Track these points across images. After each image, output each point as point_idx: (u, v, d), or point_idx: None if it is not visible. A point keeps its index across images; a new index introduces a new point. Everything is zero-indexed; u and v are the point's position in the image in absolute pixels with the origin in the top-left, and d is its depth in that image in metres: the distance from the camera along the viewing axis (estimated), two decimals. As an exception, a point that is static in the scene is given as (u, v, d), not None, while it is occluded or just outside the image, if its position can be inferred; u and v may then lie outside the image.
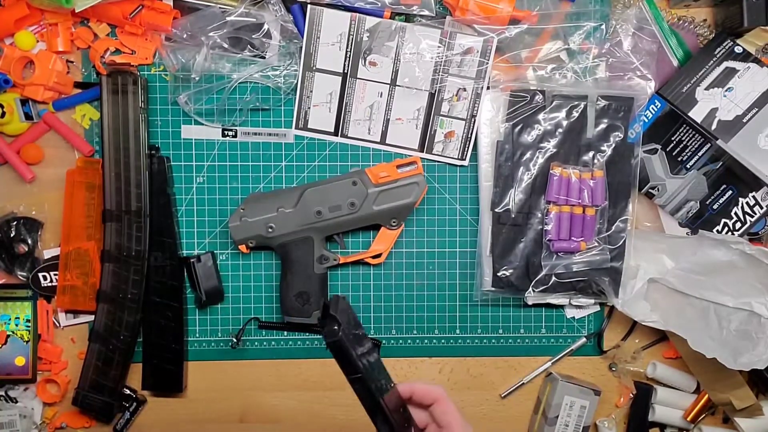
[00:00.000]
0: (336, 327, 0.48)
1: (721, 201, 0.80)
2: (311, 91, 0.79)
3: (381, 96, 0.79)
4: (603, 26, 0.78)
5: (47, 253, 0.80)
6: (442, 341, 0.84)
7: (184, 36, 0.76)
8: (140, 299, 0.77)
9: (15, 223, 0.79)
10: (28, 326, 0.79)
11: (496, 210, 0.79)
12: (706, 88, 0.78)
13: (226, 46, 0.77)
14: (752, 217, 0.80)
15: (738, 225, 0.80)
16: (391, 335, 0.83)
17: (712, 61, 0.77)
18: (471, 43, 0.77)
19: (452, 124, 0.80)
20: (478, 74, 0.78)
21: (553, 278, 0.79)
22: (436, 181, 0.82)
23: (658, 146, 0.79)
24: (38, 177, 0.80)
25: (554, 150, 0.78)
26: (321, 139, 0.81)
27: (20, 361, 0.79)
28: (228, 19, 0.76)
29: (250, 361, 0.83)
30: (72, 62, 0.79)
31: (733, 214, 0.80)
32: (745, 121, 0.77)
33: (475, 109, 0.79)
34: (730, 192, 0.79)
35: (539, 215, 0.79)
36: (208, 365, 0.83)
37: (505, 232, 0.79)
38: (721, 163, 0.78)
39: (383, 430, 0.53)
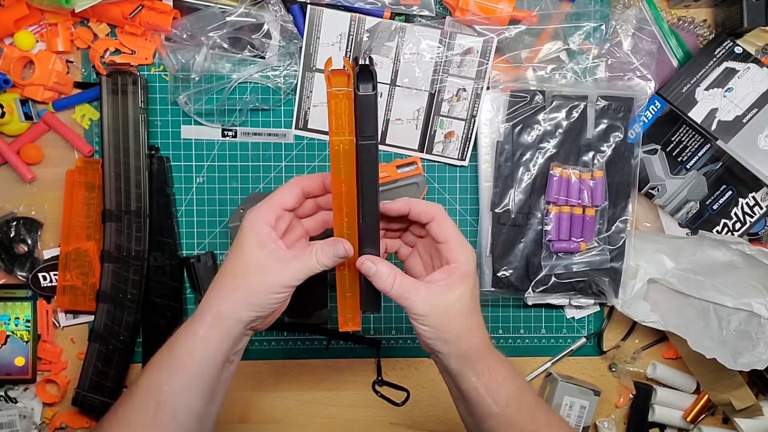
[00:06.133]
0: (373, 84, 0.48)
1: (720, 201, 0.80)
2: (311, 91, 0.79)
3: (380, 96, 0.79)
4: (603, 26, 0.78)
5: (47, 254, 0.80)
6: (442, 341, 0.84)
7: (184, 36, 0.76)
8: (140, 299, 0.77)
9: (15, 223, 0.79)
10: (28, 326, 0.79)
11: (496, 210, 0.79)
12: (706, 89, 0.77)
13: (226, 46, 0.77)
14: (752, 217, 0.80)
15: (738, 225, 0.80)
16: (391, 335, 0.83)
17: (712, 62, 0.77)
18: (471, 44, 0.77)
19: (452, 124, 0.80)
20: (478, 74, 0.78)
21: (553, 278, 0.79)
22: (436, 181, 0.82)
23: (658, 146, 0.79)
24: (38, 177, 0.80)
25: (554, 150, 0.78)
26: (321, 139, 0.81)
27: (20, 361, 0.79)
28: (228, 19, 0.75)
29: (250, 361, 0.83)
30: (72, 62, 0.79)
31: (732, 214, 0.80)
32: (744, 121, 0.77)
33: (475, 109, 0.79)
34: (729, 192, 0.79)
35: (539, 215, 0.79)
36: (207, 365, 0.83)
37: (504, 233, 0.79)
38: (721, 163, 0.78)
39: (369, 206, 0.53)
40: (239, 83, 0.79)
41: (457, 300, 0.54)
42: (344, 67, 0.49)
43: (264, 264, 0.53)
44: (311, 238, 0.61)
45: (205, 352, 0.53)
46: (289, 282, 0.53)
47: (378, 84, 0.47)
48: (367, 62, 0.48)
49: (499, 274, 0.79)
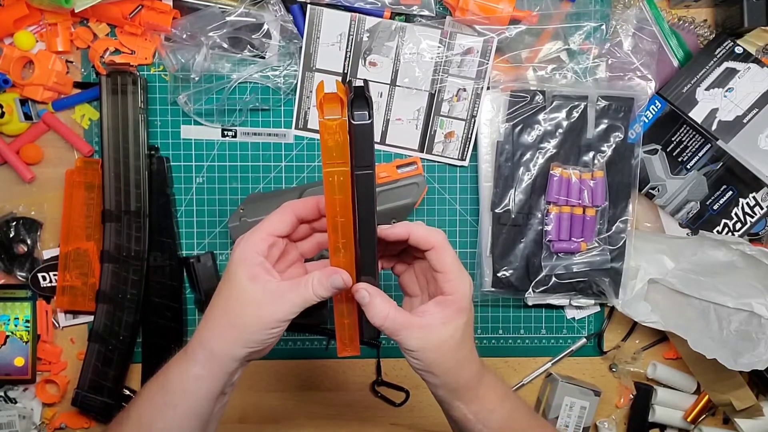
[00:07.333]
0: (369, 111, 0.45)
1: (721, 201, 0.80)
2: (311, 91, 0.79)
3: (381, 96, 0.79)
4: (603, 26, 0.78)
5: (47, 254, 0.80)
6: (442, 342, 0.84)
7: (184, 36, 0.76)
8: (140, 300, 0.77)
9: (14, 223, 0.79)
10: (28, 327, 0.79)
11: (496, 210, 0.79)
12: (707, 89, 0.77)
13: (225, 46, 0.77)
14: (752, 217, 0.80)
15: (738, 225, 0.80)
16: (390, 336, 0.83)
17: (712, 62, 0.77)
18: (471, 44, 0.77)
19: (452, 124, 0.80)
20: (478, 74, 0.78)
21: (553, 279, 0.79)
22: (436, 181, 0.82)
23: (659, 147, 0.79)
24: (38, 177, 0.80)
25: (554, 150, 0.78)
26: (321, 140, 0.81)
27: (19, 361, 0.79)
28: (228, 19, 0.75)
29: (250, 362, 0.83)
30: (71, 62, 0.79)
31: (733, 214, 0.80)
32: (745, 121, 0.77)
33: (475, 109, 0.79)
34: (730, 192, 0.79)
35: (539, 216, 0.79)
36: (207, 366, 0.82)
37: (505, 233, 0.79)
38: (721, 163, 0.78)
39: (367, 235, 0.51)
40: (239, 83, 0.79)
41: (450, 336, 0.52)
42: (337, 91, 0.45)
43: (258, 299, 0.50)
44: (306, 260, 0.58)
45: (199, 391, 0.51)
46: (285, 317, 0.51)
47: (373, 112, 0.45)
48: (361, 85, 0.45)
49: (499, 275, 0.79)
